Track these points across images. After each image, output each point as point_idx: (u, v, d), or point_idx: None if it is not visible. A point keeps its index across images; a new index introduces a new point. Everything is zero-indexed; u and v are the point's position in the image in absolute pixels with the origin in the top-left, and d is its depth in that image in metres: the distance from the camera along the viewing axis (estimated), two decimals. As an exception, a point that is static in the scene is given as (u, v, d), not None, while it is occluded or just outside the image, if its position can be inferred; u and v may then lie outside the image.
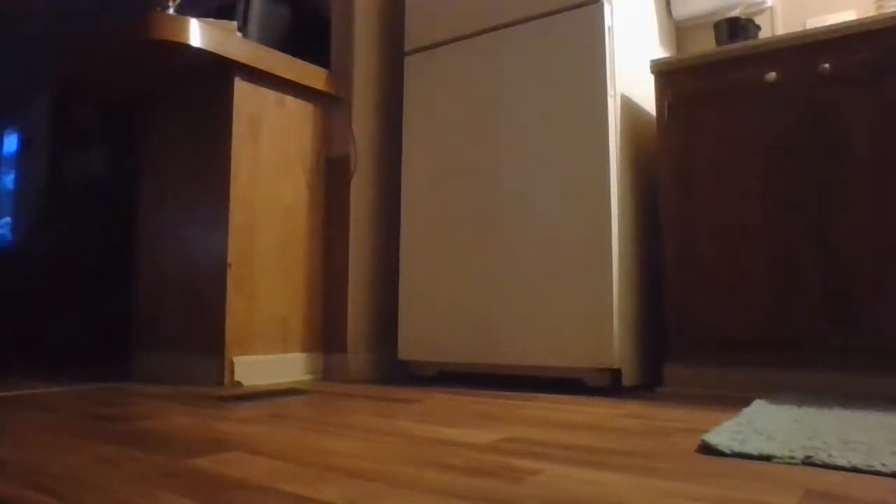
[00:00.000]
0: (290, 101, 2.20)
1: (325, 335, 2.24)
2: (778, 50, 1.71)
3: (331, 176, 2.31)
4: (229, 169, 1.99)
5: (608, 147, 1.78)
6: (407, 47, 2.23)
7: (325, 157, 2.31)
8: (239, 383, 1.93)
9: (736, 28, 1.98)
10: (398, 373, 2.24)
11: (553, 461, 0.94)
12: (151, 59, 2.01)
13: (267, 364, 2.03)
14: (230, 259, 1.96)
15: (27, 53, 3.73)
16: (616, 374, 1.74)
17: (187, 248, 2.10)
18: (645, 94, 2.02)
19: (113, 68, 2.11)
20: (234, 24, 2.06)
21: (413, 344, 2.08)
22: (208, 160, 2.07)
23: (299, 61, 2.19)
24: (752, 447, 0.96)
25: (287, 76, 2.14)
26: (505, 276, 1.91)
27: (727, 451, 0.96)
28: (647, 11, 2.18)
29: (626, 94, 1.91)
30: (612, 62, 1.83)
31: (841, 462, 0.88)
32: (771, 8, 2.25)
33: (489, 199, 1.98)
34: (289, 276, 2.15)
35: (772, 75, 1.70)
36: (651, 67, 1.90)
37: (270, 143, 2.13)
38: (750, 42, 1.76)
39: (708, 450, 0.99)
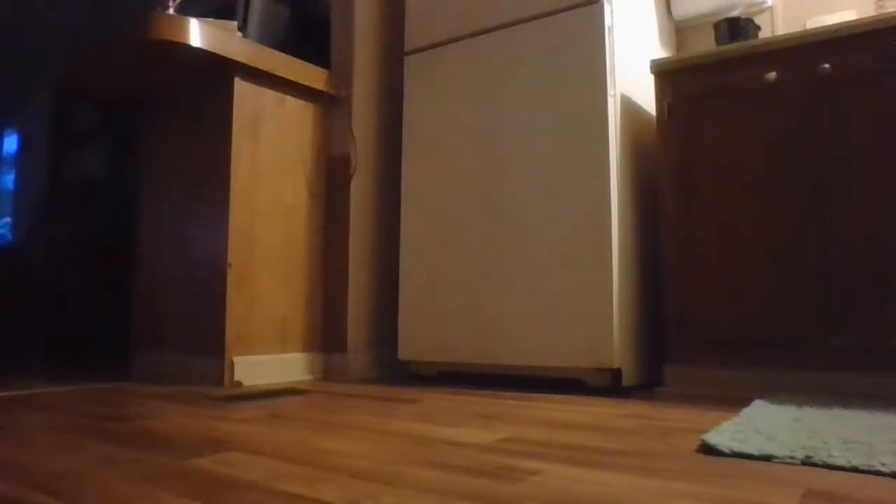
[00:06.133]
0: (290, 101, 2.20)
1: (326, 335, 2.24)
2: (778, 50, 1.71)
3: (331, 176, 2.31)
4: (229, 169, 1.99)
5: (608, 147, 1.78)
6: (407, 47, 2.23)
7: (325, 157, 2.31)
8: (239, 383, 1.93)
9: (736, 28, 1.98)
10: (398, 373, 2.24)
11: (553, 461, 0.94)
12: (151, 59, 2.01)
13: (267, 364, 2.03)
14: (230, 259, 1.96)
15: (27, 53, 3.73)
16: (616, 374, 1.74)
17: (187, 248, 2.10)
18: (645, 94, 2.02)
19: (113, 68, 2.11)
20: (234, 24, 2.06)
21: (413, 344, 2.08)
22: (208, 160, 2.07)
23: (299, 61, 2.19)
24: (752, 447, 0.96)
25: (287, 76, 2.14)
26: (504, 276, 1.91)
27: (727, 451, 0.96)
28: (647, 11, 2.18)
29: (626, 94, 1.91)
30: (612, 62, 1.83)
31: (841, 462, 0.88)
32: (771, 8, 2.25)
33: (489, 198, 1.98)
34: (289, 275, 2.15)
35: (772, 75, 1.71)
36: (651, 67, 1.90)
37: (270, 143, 2.13)
38: (750, 42, 1.76)
39: (708, 450, 0.99)
